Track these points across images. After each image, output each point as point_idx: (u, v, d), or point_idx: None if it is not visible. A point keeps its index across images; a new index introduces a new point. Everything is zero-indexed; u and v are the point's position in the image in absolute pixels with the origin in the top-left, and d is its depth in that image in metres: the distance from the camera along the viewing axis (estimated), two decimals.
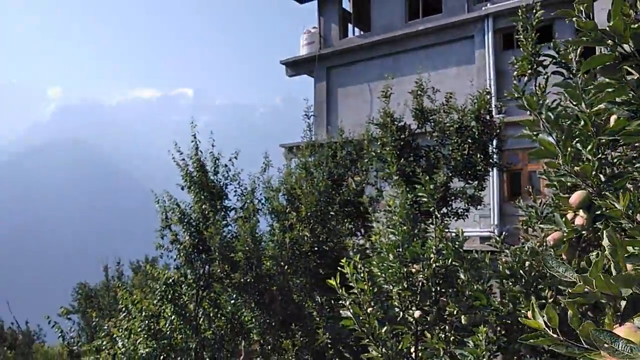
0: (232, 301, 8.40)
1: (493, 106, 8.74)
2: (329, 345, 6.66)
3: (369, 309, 2.86)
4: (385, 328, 2.89)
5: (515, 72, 3.38)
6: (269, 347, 7.15)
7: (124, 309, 7.93)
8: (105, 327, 7.76)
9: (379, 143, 8.13)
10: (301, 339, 6.56)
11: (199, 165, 8.90)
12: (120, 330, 7.58)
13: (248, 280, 7.13)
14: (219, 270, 7.43)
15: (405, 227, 3.24)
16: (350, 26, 19.51)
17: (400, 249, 3.19)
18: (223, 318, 8.42)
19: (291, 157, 9.05)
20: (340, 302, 3.00)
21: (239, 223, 7.60)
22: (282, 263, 7.22)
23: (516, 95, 3.27)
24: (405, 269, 3.15)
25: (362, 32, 19.33)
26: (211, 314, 8.28)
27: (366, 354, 3.00)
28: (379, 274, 3.23)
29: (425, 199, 3.41)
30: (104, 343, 7.56)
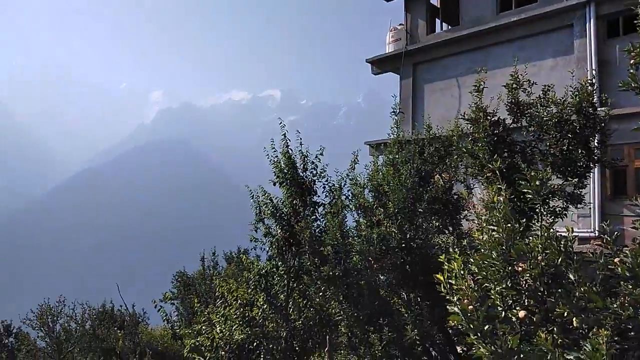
0: (320, 294, 8.65)
1: (596, 98, 8.13)
2: (417, 342, 6.65)
3: (471, 307, 2.83)
4: (486, 326, 2.84)
5: (632, 61, 3.16)
6: (357, 340, 7.28)
7: (220, 296, 8.49)
8: (206, 313, 8.36)
9: (469, 139, 7.92)
10: (389, 333, 6.62)
11: (289, 162, 9.27)
12: (217, 316, 8.13)
13: (336, 273, 7.31)
14: (308, 263, 7.69)
15: (509, 225, 3.12)
16: (437, 21, 19.06)
17: (504, 247, 3.09)
18: (312, 309, 8.71)
19: (377, 154, 9.09)
20: (447, 297, 2.98)
21: (328, 218, 7.80)
22: (369, 258, 7.32)
23: (633, 85, 3.06)
24: (509, 268, 3.05)
25: (450, 27, 18.80)
26: (301, 305, 8.60)
27: (474, 352, 2.94)
28: (479, 271, 3.16)
29: (530, 196, 3.24)
30: (203, 327, 8.15)
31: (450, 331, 7.71)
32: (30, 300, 24.80)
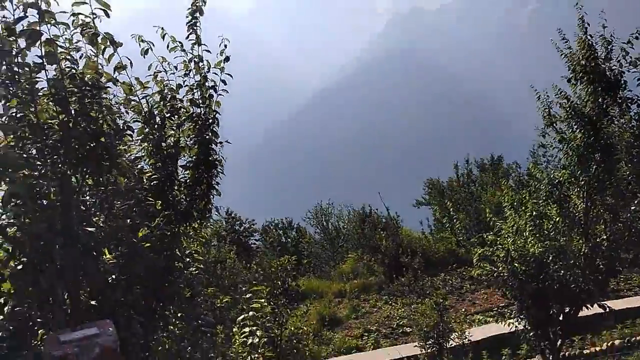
0: (633, 207, 7.33)
1: None
2: None
3: None
4: None
5: None
6: None
7: (509, 206, 7.99)
8: (498, 224, 8.01)
9: None
10: None
11: (589, 53, 7.68)
12: (509, 227, 7.72)
13: None
14: (627, 174, 6.43)
15: None
16: None
17: None
18: (620, 224, 7.50)
19: None
20: None
21: None
22: None
23: None
24: None
25: None
26: (607, 220, 7.46)
27: None
28: None
29: None
30: (498, 239, 7.84)
31: None
32: (305, 201, 29.10)
